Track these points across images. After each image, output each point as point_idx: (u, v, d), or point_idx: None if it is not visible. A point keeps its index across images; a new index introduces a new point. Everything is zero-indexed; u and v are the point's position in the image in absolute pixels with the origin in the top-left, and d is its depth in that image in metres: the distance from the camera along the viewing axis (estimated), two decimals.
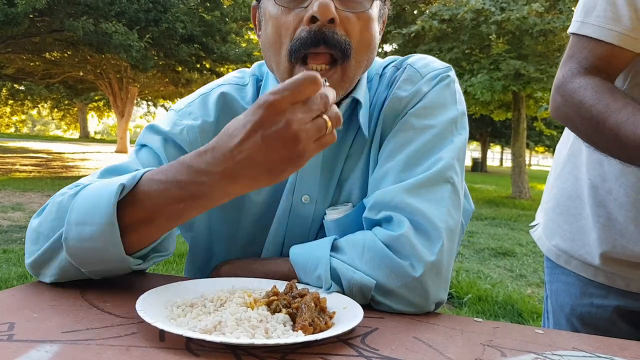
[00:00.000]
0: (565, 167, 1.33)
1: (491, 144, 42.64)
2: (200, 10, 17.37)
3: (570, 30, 1.14)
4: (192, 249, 1.10)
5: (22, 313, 0.73)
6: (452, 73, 1.02)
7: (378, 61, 1.09)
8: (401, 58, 1.06)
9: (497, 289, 4.72)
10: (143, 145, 1.00)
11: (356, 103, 0.98)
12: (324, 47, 0.87)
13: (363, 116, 0.98)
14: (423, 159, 0.92)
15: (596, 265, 1.25)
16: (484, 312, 4.14)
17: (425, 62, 1.02)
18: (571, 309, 1.32)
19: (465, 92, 12.69)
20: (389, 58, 1.09)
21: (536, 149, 42.54)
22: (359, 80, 0.99)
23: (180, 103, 1.07)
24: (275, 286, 0.79)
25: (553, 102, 1.16)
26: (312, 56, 0.90)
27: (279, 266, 0.94)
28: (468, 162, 36.89)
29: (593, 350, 0.72)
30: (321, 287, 0.86)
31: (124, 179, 0.79)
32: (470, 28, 12.51)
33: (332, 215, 0.97)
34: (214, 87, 1.08)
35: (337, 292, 0.85)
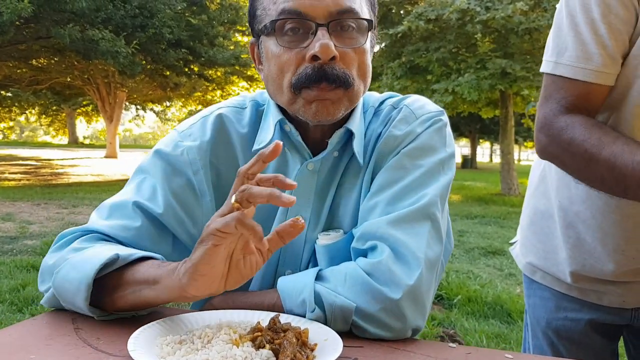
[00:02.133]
0: (538, 187, 1.39)
1: (480, 140, 42.88)
2: (186, 15, 17.32)
3: (543, 69, 1.17)
4: None
5: (19, 355, 0.77)
6: (445, 117, 1.10)
7: (374, 95, 1.16)
8: (398, 97, 1.13)
9: (487, 289, 4.79)
10: (146, 175, 1.08)
11: (350, 133, 1.04)
12: (325, 83, 0.95)
13: (357, 145, 1.05)
14: (409, 194, 0.99)
15: (569, 282, 1.30)
16: (474, 313, 4.21)
17: (421, 104, 1.10)
18: (547, 322, 1.37)
19: (452, 92, 12.79)
20: (386, 94, 1.16)
21: (525, 144, 42.82)
22: (353, 112, 1.06)
23: (184, 124, 1.15)
24: (259, 322, 0.83)
25: (538, 143, 1.17)
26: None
27: (268, 296, 0.99)
28: (458, 159, 37.09)
29: None
30: (305, 312, 0.91)
31: (120, 250, 0.92)
32: (456, 28, 12.61)
33: (323, 240, 1.04)
34: (214, 110, 1.15)
35: (320, 317, 0.90)
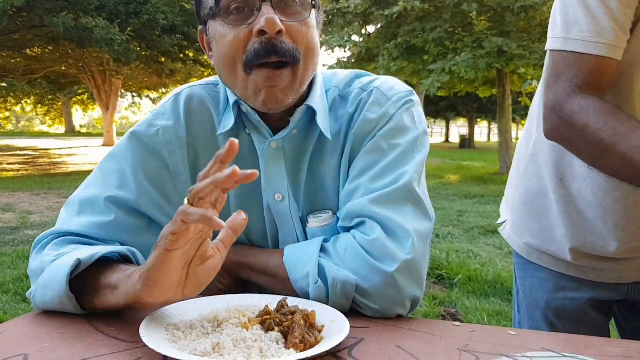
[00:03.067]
0: (528, 166, 1.37)
1: (478, 120, 42.84)
2: (180, 0, 17.21)
3: (551, 47, 1.14)
4: None
5: (34, 343, 0.79)
6: (415, 97, 1.12)
7: (338, 74, 1.17)
8: (367, 80, 1.13)
9: (487, 268, 4.83)
10: (116, 161, 1.08)
11: (312, 111, 1.05)
12: (276, 56, 0.96)
13: (322, 121, 1.06)
14: (388, 173, 1.02)
15: (567, 260, 1.31)
16: (474, 292, 4.25)
17: (390, 85, 1.11)
18: (546, 303, 1.38)
19: (449, 72, 12.74)
20: (350, 73, 1.16)
21: (523, 122, 42.75)
22: (312, 89, 1.07)
23: (157, 105, 1.16)
24: (267, 305, 0.85)
25: (549, 123, 1.14)
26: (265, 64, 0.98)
27: (272, 259, 1.03)
28: (456, 140, 37.05)
29: (560, 350, 0.79)
30: (308, 284, 0.94)
31: (81, 254, 0.91)
32: (452, 7, 12.53)
33: (314, 223, 1.07)
34: (185, 87, 1.16)
35: (321, 290, 0.93)
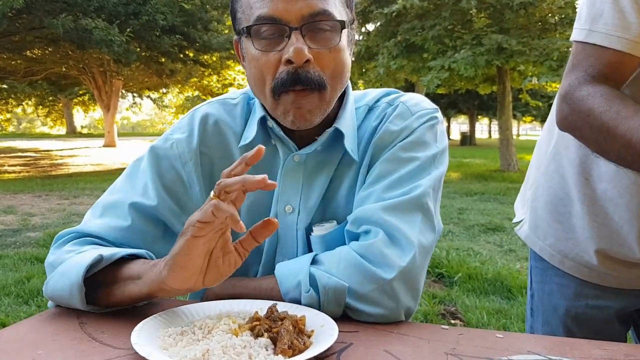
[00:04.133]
0: (549, 165, 1.34)
1: (479, 117, 42.81)
2: (179, 0, 17.22)
3: (574, 38, 1.12)
4: None
5: (27, 350, 0.80)
6: (439, 115, 1.14)
7: (369, 93, 1.19)
8: (394, 95, 1.16)
9: (487, 266, 4.83)
10: (138, 172, 1.13)
11: (338, 133, 1.08)
12: (300, 85, 0.98)
13: (349, 143, 1.08)
14: (403, 184, 1.03)
15: (591, 263, 1.27)
16: (474, 290, 4.26)
17: (416, 102, 1.13)
18: (566, 310, 1.35)
19: (449, 69, 12.74)
20: (381, 92, 1.19)
21: (524, 119, 42.77)
22: (341, 107, 1.10)
23: (177, 121, 1.21)
24: (257, 312, 0.86)
25: (560, 112, 1.13)
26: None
27: (266, 281, 1.04)
28: (457, 137, 37.06)
29: (546, 353, 0.80)
30: (300, 294, 0.95)
31: (104, 251, 0.96)
32: (451, 4, 12.54)
33: (318, 231, 1.08)
34: (203, 104, 1.20)
35: (314, 298, 0.94)
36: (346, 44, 1.05)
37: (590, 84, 1.07)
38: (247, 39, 1.02)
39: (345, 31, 1.03)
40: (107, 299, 0.95)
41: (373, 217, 0.99)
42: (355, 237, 1.01)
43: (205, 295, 1.08)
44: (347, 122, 1.09)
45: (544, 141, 1.39)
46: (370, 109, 1.15)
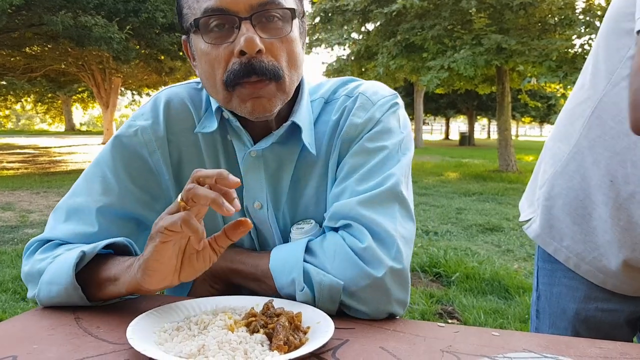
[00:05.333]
0: (568, 165, 1.29)
1: (478, 117, 42.81)
2: None
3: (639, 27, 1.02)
4: None
5: (23, 345, 0.80)
6: (399, 100, 1.14)
7: (323, 85, 1.17)
8: (351, 86, 1.14)
9: (485, 266, 4.84)
10: (101, 167, 1.11)
11: (295, 126, 1.06)
12: (255, 76, 0.95)
13: (307, 137, 1.07)
14: (375, 174, 1.03)
15: (608, 268, 1.25)
16: (472, 289, 4.26)
17: (375, 90, 1.12)
18: (576, 313, 1.33)
19: (448, 69, 12.74)
20: (336, 82, 1.17)
21: (523, 119, 42.76)
22: (297, 100, 1.09)
23: (140, 107, 1.18)
24: (253, 308, 0.86)
25: (638, 111, 0.98)
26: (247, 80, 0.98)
27: (260, 264, 1.03)
28: (456, 137, 37.05)
29: (541, 350, 0.80)
30: (295, 291, 0.95)
31: (84, 247, 0.96)
32: (451, 4, 12.53)
33: (298, 235, 1.07)
34: (165, 89, 1.17)
35: (308, 295, 0.94)
36: (297, 35, 1.03)
37: None
38: (196, 34, 0.99)
39: (296, 21, 1.02)
40: (97, 297, 0.97)
41: (351, 212, 0.99)
42: (336, 231, 1.02)
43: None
44: (303, 116, 1.07)
45: (561, 140, 1.33)
46: (327, 102, 1.14)
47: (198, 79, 1.16)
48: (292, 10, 0.98)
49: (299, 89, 1.10)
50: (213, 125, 1.07)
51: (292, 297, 0.96)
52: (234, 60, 0.95)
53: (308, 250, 0.99)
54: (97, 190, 1.08)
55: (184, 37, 1.08)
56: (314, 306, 0.93)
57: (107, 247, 1.00)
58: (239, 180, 0.77)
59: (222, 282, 1.08)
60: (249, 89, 0.96)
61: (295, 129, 1.07)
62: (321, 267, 0.96)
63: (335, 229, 1.02)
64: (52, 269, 0.97)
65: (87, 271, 0.97)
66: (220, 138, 1.10)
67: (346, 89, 1.14)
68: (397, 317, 0.98)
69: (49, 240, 1.07)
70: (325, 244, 0.99)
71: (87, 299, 0.95)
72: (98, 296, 0.96)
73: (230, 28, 0.96)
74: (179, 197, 0.80)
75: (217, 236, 0.87)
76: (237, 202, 0.78)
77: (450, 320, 3.66)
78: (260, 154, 1.07)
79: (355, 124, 1.08)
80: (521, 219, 1.46)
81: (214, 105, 1.07)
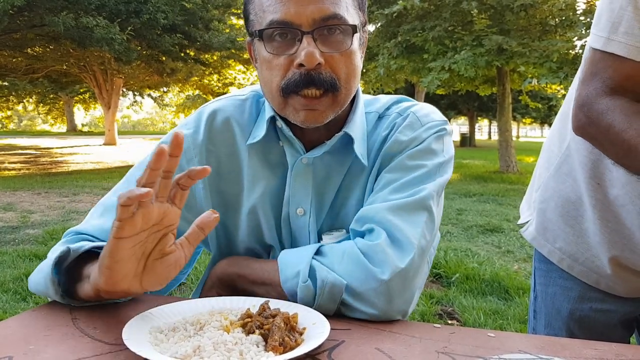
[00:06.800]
0: (560, 167, 1.31)
1: (479, 118, 42.79)
2: None
3: (592, 44, 1.09)
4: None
5: (19, 345, 0.80)
6: (449, 127, 1.15)
7: (379, 100, 1.20)
8: (405, 104, 1.17)
9: (485, 266, 4.84)
10: (141, 168, 1.10)
11: (349, 137, 1.09)
12: (314, 87, 0.99)
13: (359, 148, 1.09)
14: (409, 188, 1.05)
15: (601, 269, 1.26)
16: (472, 290, 4.26)
17: (427, 112, 1.14)
18: (570, 313, 1.34)
19: (449, 70, 12.74)
20: (391, 99, 1.20)
21: (523, 120, 42.74)
22: (351, 112, 1.11)
23: (187, 117, 1.21)
24: (249, 309, 0.86)
25: (576, 120, 1.11)
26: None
27: (267, 266, 1.05)
28: (457, 138, 37.09)
29: (537, 352, 0.80)
30: (297, 283, 0.96)
31: (74, 245, 0.97)
32: (452, 5, 12.53)
33: (327, 240, 1.09)
34: (212, 101, 1.20)
35: (310, 289, 0.94)
36: (357, 47, 1.06)
37: (609, 96, 1.05)
38: (259, 42, 1.02)
39: (357, 35, 1.04)
40: (78, 295, 0.95)
41: (377, 216, 1.00)
42: (360, 235, 1.02)
43: (213, 270, 1.11)
44: (357, 127, 1.10)
45: (554, 143, 1.36)
46: (381, 117, 1.16)
47: (242, 91, 1.21)
48: (354, 27, 1.01)
49: (353, 100, 1.13)
50: (261, 133, 1.10)
51: (293, 291, 0.97)
52: (294, 71, 0.99)
53: (318, 252, 1.01)
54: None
55: (248, 39, 1.12)
56: (314, 303, 0.93)
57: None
58: (161, 147, 0.75)
59: (230, 289, 1.08)
60: (304, 100, 1.00)
61: (348, 140, 1.09)
62: (328, 266, 0.97)
63: (360, 233, 1.02)
64: (48, 257, 1.00)
65: (76, 269, 0.97)
66: (267, 147, 1.12)
67: (399, 107, 1.16)
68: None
69: (78, 233, 1.08)
70: (336, 247, 1.01)
71: (64, 295, 0.95)
72: (79, 295, 0.94)
73: (292, 39, 0.99)
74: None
75: (188, 233, 0.84)
76: (150, 191, 0.73)
77: (450, 321, 3.66)
78: (311, 161, 1.09)
79: (399, 141, 1.09)
80: (519, 221, 1.48)
81: (267, 114, 1.09)
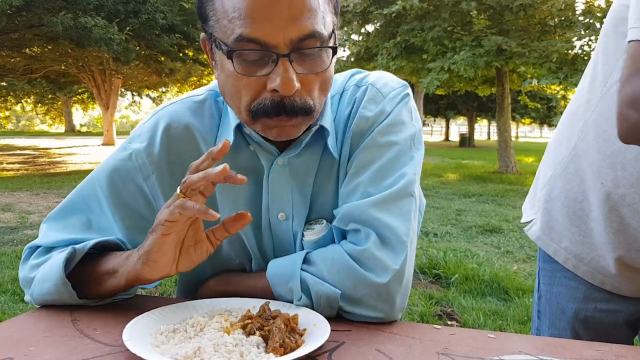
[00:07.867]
0: (567, 167, 1.30)
1: (478, 118, 42.79)
2: None
3: (634, 37, 1.02)
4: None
5: (19, 347, 0.80)
6: (409, 89, 1.10)
7: (336, 80, 1.12)
8: (359, 75, 1.12)
9: (484, 267, 4.84)
10: (96, 191, 1.07)
11: (323, 129, 1.03)
12: (285, 115, 0.91)
13: (332, 141, 1.04)
14: (388, 174, 1.01)
15: (607, 269, 1.26)
16: (471, 291, 4.26)
17: (385, 82, 1.08)
18: (574, 313, 1.33)
19: (449, 70, 12.75)
20: (345, 75, 1.14)
21: (522, 121, 42.74)
22: (324, 107, 1.04)
23: (138, 124, 1.12)
24: (249, 310, 0.86)
25: (626, 120, 1.00)
26: None
27: (261, 280, 1.01)
28: (456, 138, 37.06)
29: (537, 353, 0.80)
30: (292, 299, 0.95)
31: (75, 246, 0.98)
32: (451, 6, 12.54)
33: (310, 236, 1.04)
34: (166, 105, 1.11)
35: (307, 304, 0.93)
36: (333, 64, 0.97)
37: None
38: (223, 54, 0.90)
39: (335, 54, 0.96)
40: (92, 294, 0.98)
41: (362, 215, 0.96)
42: (344, 234, 1.00)
43: (200, 290, 1.08)
44: (328, 119, 1.04)
45: (562, 142, 1.34)
46: (340, 96, 1.10)
47: (197, 91, 1.12)
48: (334, 49, 0.93)
49: None
50: (230, 140, 0.96)
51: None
52: (265, 95, 0.90)
53: (306, 260, 0.98)
54: (93, 208, 1.07)
55: (203, 35, 0.99)
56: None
57: (99, 249, 1.01)
58: (225, 165, 0.79)
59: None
60: (275, 122, 0.92)
61: (321, 132, 1.03)
62: (318, 276, 0.94)
63: (344, 232, 1.00)
64: (44, 267, 0.99)
65: (82, 269, 0.98)
66: (236, 152, 1.03)
67: (354, 80, 1.11)
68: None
69: (46, 248, 1.06)
70: (323, 253, 0.98)
71: (77, 296, 0.96)
72: (98, 291, 0.97)
73: (266, 60, 0.88)
74: (178, 189, 0.83)
75: (215, 229, 0.91)
76: (212, 212, 0.81)
77: (449, 322, 3.66)
78: (287, 161, 1.03)
79: (365, 117, 1.04)
80: (523, 220, 1.47)
81: (233, 122, 1.02)
